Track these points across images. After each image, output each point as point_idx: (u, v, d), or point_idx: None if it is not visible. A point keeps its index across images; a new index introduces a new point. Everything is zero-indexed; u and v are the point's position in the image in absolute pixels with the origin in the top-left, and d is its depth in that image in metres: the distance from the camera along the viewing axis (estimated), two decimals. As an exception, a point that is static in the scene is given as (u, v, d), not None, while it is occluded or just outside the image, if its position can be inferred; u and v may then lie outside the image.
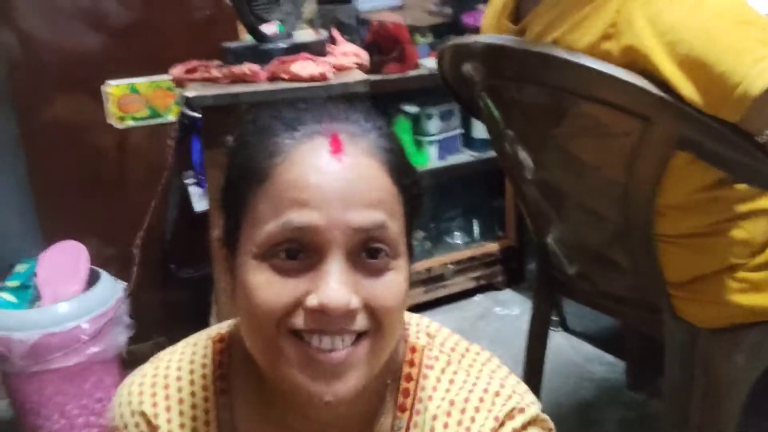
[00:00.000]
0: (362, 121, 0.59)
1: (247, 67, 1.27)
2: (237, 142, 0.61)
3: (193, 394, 0.65)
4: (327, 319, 0.53)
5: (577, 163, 1.12)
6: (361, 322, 0.54)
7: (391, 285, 0.56)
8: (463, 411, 0.62)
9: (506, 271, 2.52)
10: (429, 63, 2.23)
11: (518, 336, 1.50)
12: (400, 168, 0.59)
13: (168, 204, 1.88)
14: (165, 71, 1.51)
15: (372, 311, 0.55)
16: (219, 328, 0.70)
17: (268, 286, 0.54)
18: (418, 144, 2.40)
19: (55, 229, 1.80)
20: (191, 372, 0.66)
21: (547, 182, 1.21)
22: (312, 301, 0.53)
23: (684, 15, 0.92)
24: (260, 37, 1.33)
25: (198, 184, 1.85)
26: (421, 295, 2.35)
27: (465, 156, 2.46)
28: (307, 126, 0.57)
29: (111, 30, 1.82)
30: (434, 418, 0.63)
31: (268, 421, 0.64)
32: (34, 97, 1.79)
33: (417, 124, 2.39)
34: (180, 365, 0.67)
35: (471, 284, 2.47)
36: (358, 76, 1.29)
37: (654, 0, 0.93)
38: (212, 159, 1.33)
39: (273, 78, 1.27)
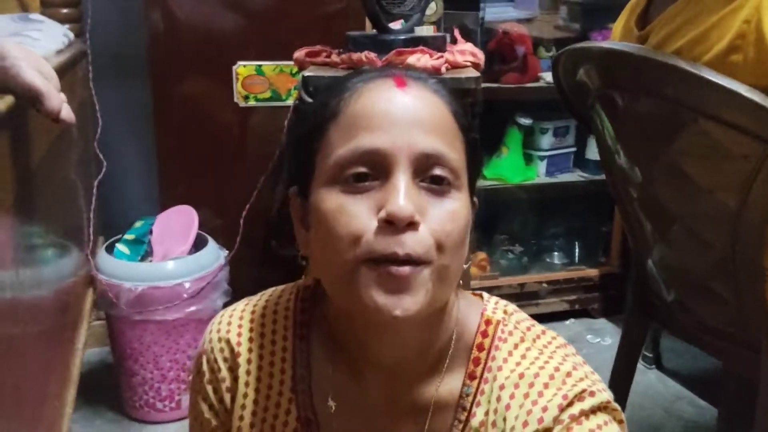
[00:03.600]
0: (423, 74, 0.65)
1: (365, 55, 1.31)
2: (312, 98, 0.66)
3: (274, 332, 0.70)
4: (396, 234, 0.56)
5: (687, 183, 1.07)
6: (424, 245, 0.56)
7: (452, 210, 0.59)
8: (531, 385, 0.62)
9: (604, 298, 2.44)
10: (549, 77, 2.20)
11: (607, 367, 1.45)
12: (459, 110, 0.64)
13: (277, 183, 1.96)
14: (290, 57, 1.59)
15: (433, 233, 0.57)
16: (308, 279, 0.74)
17: (342, 208, 0.58)
18: (528, 158, 2.37)
19: (172, 194, 1.92)
20: (275, 312, 0.71)
21: (653, 201, 1.17)
22: (381, 214, 0.56)
23: None
24: (382, 28, 1.37)
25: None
26: (511, 310, 2.32)
27: (575, 176, 2.40)
28: (374, 72, 0.64)
29: (247, 14, 1.92)
30: (501, 387, 0.63)
31: (340, 369, 0.68)
32: (169, 71, 1.91)
33: (529, 137, 2.36)
34: (266, 304, 0.72)
35: (564, 307, 2.40)
36: (471, 73, 1.30)
37: None
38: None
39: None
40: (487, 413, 0.63)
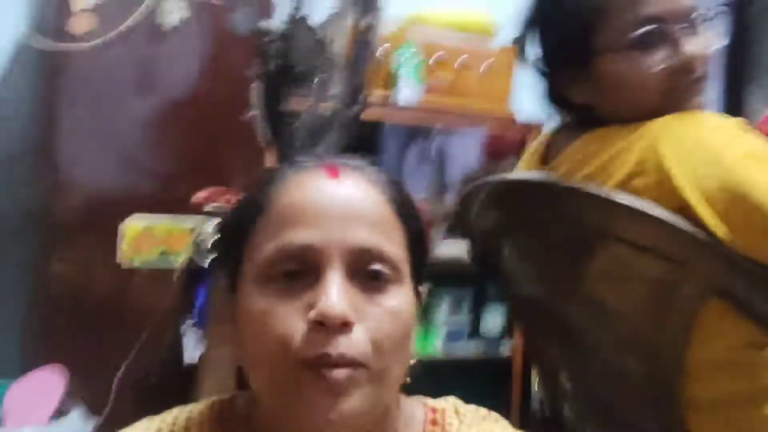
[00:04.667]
0: (360, 160, 0.63)
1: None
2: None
3: None
4: (328, 336, 0.52)
5: (603, 309, 1.06)
6: (359, 347, 0.53)
7: (392, 308, 0.55)
8: None
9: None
10: (442, 248, 2.24)
11: None
12: (398, 199, 0.61)
13: (158, 349, 1.80)
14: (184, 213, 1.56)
15: (371, 334, 0.53)
16: (224, 395, 0.68)
17: (269, 310, 0.54)
18: (424, 331, 2.34)
19: (39, 353, 1.75)
20: (186, 429, 0.64)
21: (567, 332, 1.15)
22: (311, 314, 0.52)
23: (716, 152, 0.92)
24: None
25: (197, 325, 1.78)
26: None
27: (472, 346, 2.38)
28: (307, 161, 0.61)
29: (137, 171, 1.90)
30: None
31: None
32: (52, 230, 1.85)
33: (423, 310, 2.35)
34: (175, 421, 0.64)
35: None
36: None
37: (683, 137, 0.95)
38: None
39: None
40: None
